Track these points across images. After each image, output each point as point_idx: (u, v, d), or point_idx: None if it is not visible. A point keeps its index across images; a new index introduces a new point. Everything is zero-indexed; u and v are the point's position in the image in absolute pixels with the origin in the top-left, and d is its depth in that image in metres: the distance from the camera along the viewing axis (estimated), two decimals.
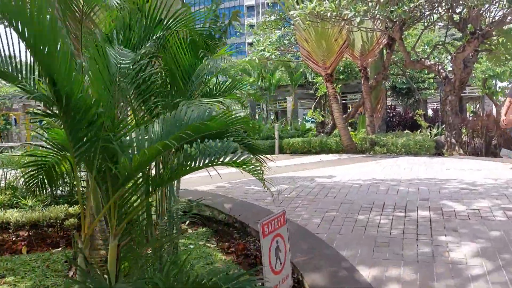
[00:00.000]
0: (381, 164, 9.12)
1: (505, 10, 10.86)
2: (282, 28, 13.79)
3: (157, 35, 3.00)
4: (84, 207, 2.22)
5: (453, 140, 12.19)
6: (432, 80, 21.60)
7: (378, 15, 10.95)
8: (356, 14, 10.33)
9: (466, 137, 12.52)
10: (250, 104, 28.81)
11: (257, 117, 26.67)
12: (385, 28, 13.11)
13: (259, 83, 24.64)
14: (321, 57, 13.01)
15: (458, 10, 12.44)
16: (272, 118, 28.91)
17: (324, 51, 12.90)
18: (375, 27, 12.39)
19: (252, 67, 24.06)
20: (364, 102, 14.08)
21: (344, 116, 15.64)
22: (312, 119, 23.05)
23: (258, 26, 16.71)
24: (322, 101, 22.81)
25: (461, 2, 11.41)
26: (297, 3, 12.06)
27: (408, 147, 12.02)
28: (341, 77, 19.73)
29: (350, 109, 20.92)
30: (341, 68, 19.83)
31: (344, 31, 12.84)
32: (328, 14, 10.85)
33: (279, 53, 13.88)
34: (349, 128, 16.99)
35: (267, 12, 15.86)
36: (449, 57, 14.26)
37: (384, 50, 14.69)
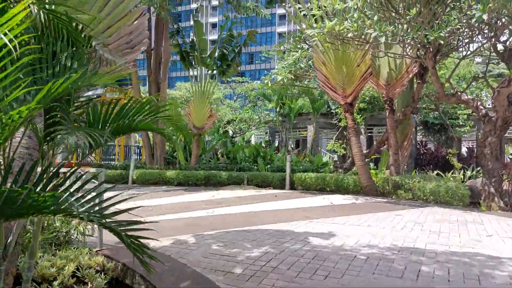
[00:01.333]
0: (403, 219, 7.35)
1: None
2: (299, 51, 12.37)
3: None
4: None
5: (492, 190, 10.25)
6: (467, 117, 19.60)
7: (408, 39, 9.36)
8: (381, 34, 8.79)
9: (508, 185, 10.56)
10: (270, 130, 27.36)
11: (276, 144, 25.16)
12: (416, 55, 11.46)
13: (278, 109, 23.19)
14: (340, 83, 11.46)
15: (503, 39, 10.71)
16: (292, 146, 27.31)
17: (344, 77, 11.35)
18: (405, 53, 10.78)
19: (273, 92, 22.71)
20: (388, 138, 12.35)
21: (366, 151, 13.89)
22: (334, 151, 21.37)
23: (276, 49, 15.41)
24: (344, 132, 21.11)
25: (507, 30, 9.70)
26: (316, 21, 10.63)
27: (437, 194, 10.15)
28: (363, 107, 18.05)
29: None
30: (366, 98, 18.18)
31: (368, 56, 11.28)
32: (350, 35, 9.35)
33: (292, 76, 12.45)
34: (371, 164, 15.18)
35: (288, 36, 14.52)
36: (489, 92, 12.45)
37: (414, 80, 13.00)
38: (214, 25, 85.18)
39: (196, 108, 14.82)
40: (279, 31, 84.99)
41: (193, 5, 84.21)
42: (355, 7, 9.53)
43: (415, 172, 14.68)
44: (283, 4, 12.15)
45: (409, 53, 10.90)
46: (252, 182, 13.92)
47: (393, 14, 9.68)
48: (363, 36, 10.49)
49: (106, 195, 2.36)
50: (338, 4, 9.82)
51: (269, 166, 15.48)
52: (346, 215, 7.64)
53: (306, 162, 15.50)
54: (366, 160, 12.58)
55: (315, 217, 7.30)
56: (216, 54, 14.67)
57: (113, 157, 21.89)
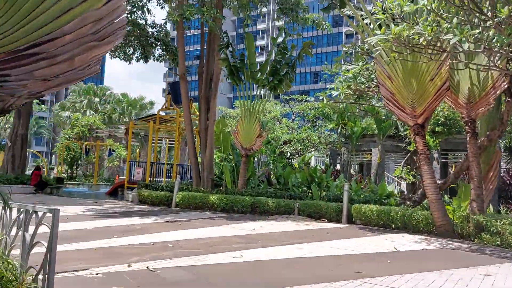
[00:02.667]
0: (492, 284, 5.37)
1: None
2: (360, 64, 10.71)
3: None
4: None
5: None
6: None
7: (496, 47, 7.42)
8: (462, 40, 6.96)
9: None
10: (331, 152, 25.48)
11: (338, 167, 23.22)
12: (506, 66, 9.35)
13: (339, 129, 21.34)
14: (409, 101, 9.59)
15: None
16: (355, 170, 25.17)
17: (414, 93, 9.49)
18: (491, 64, 8.73)
19: (332, 111, 20.97)
20: (469, 167, 10.16)
21: (440, 182, 11.71)
22: (403, 178, 19.08)
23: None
24: (414, 157, 18.77)
25: None
26: (379, 27, 8.95)
27: None
28: (438, 130, 15.74)
29: (452, 172, 16.62)
30: (441, 119, 15.88)
31: (444, 68, 9.35)
32: (422, 41, 7.59)
33: (351, 92, 10.76)
34: (445, 196, 12.94)
35: (347, 47, 12.94)
36: None
37: (503, 98, 10.76)
38: (261, 48, 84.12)
39: (244, 127, 13.56)
40: (345, 50, 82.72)
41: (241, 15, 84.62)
42: (429, 7, 7.76)
43: (504, 209, 12.18)
44: (342, 10, 10.59)
45: (497, 64, 8.83)
46: (304, 213, 12.27)
47: (477, 16, 7.77)
48: (438, 43, 8.66)
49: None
50: (408, 5, 8.07)
51: (324, 194, 13.73)
52: (416, 271, 5.78)
53: (367, 191, 13.56)
54: (440, 192, 10.46)
55: (372, 273, 5.54)
56: (268, 68, 13.38)
57: (170, 174, 21.25)
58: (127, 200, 16.46)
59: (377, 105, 13.80)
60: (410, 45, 8.18)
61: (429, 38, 7.40)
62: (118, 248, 6.52)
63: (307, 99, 24.92)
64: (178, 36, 15.24)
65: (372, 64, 10.79)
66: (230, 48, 13.63)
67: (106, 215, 10.99)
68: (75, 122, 29.29)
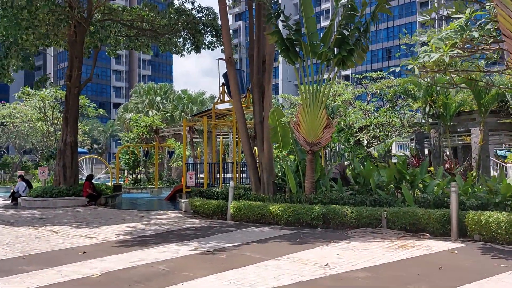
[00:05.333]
0: None
1: None
2: (467, 11, 7.28)
3: None
4: None
5: None
6: None
7: None
8: None
9: None
10: (417, 136, 21.58)
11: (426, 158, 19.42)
12: None
13: (427, 108, 17.54)
14: None
15: None
16: (449, 156, 21.07)
17: None
18: None
19: (416, 86, 17.22)
20: None
21: None
22: None
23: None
24: None
25: None
26: None
27: None
28: None
29: None
30: None
31: None
32: None
33: (461, 52, 7.38)
34: None
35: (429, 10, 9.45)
36: None
37: None
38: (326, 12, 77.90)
39: (306, 116, 10.61)
40: (420, 20, 75.36)
41: None
42: None
43: None
44: None
45: None
46: (395, 225, 9.12)
47: None
48: None
49: None
50: None
51: (419, 195, 10.41)
52: None
53: (481, 189, 10.02)
54: None
55: None
56: (332, 37, 10.27)
57: (242, 171, 18.92)
58: (180, 210, 14.35)
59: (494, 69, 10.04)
60: None
61: None
62: None
63: (383, 75, 21.26)
64: (221, 12, 12.63)
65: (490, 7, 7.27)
66: (281, 18, 10.70)
67: (139, 241, 8.75)
68: (135, 123, 28.18)
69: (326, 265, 6.39)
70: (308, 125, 10.60)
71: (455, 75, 11.06)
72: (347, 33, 10.29)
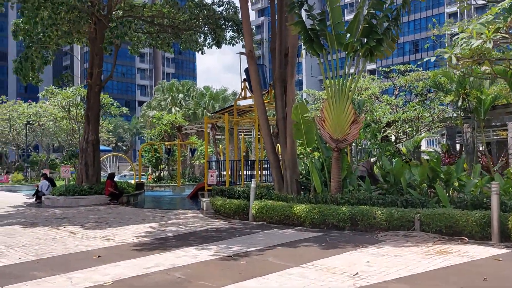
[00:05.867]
0: None
1: None
2: None
3: None
4: None
5: None
6: None
7: None
8: None
9: None
10: (448, 132, 20.59)
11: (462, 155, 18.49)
12: None
13: (459, 102, 16.60)
14: None
15: None
16: (482, 153, 20.02)
17: None
18: None
19: (448, 78, 16.30)
20: None
21: None
22: None
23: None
24: None
25: None
26: None
27: None
28: None
29: None
30: None
31: None
32: None
33: (506, 36, 6.63)
34: None
35: None
36: None
37: None
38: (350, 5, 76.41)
39: (332, 112, 9.99)
40: (449, 11, 72.80)
41: None
42: None
43: None
44: None
45: None
46: (430, 227, 8.45)
47: None
48: None
49: None
50: None
51: (456, 195, 9.68)
52: None
53: None
54: None
55: None
56: (359, 26, 9.61)
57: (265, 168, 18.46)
58: (201, 209, 13.98)
59: None
60: None
61: None
62: None
63: (412, 68, 20.27)
64: (241, 3, 12.12)
65: None
66: (305, 7, 10.11)
67: (157, 244, 8.37)
68: (157, 121, 28.05)
69: (355, 274, 5.82)
70: (333, 120, 9.99)
71: (492, 65, 10.24)
72: (375, 22, 9.61)
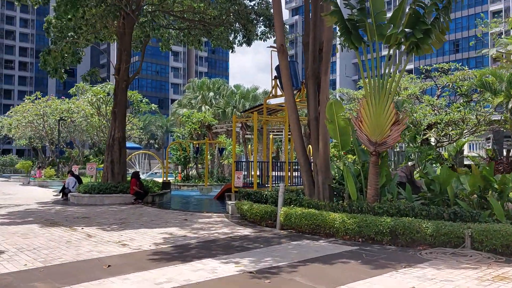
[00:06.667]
0: None
1: None
2: None
3: None
4: None
5: None
6: None
7: None
8: None
9: None
10: (494, 136, 19.06)
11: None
12: None
13: (509, 104, 15.15)
14: None
15: None
16: None
17: None
18: None
19: (498, 78, 14.87)
20: None
21: None
22: None
23: None
24: None
25: None
26: None
27: None
28: None
29: None
30: None
31: None
32: None
33: None
34: None
35: None
36: None
37: None
38: None
39: (371, 111, 8.99)
40: (493, 9, 69.33)
41: None
42: None
43: None
44: None
45: None
46: (482, 245, 7.34)
47: None
48: None
49: None
50: None
51: None
52: None
53: None
54: None
55: None
56: (404, 17, 8.56)
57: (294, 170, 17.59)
58: (227, 213, 13.24)
59: None
60: None
61: None
62: None
63: (456, 66, 18.81)
64: None
65: None
66: None
67: (174, 253, 7.67)
68: (186, 119, 27.60)
69: None
70: (372, 121, 8.99)
71: None
72: (422, 12, 8.55)
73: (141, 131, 40.35)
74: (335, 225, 8.81)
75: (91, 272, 6.28)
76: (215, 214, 13.08)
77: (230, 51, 21.11)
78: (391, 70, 9.12)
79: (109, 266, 6.63)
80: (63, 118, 31.55)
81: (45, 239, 8.93)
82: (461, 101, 18.20)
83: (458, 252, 7.38)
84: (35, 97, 32.81)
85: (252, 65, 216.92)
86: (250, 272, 6.26)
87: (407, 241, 8.03)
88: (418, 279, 5.87)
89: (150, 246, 8.25)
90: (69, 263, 6.85)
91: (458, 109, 17.05)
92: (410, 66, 65.75)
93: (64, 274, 6.16)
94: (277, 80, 16.39)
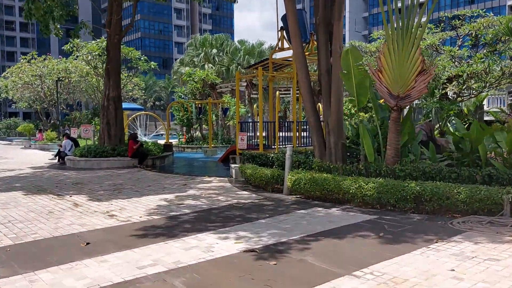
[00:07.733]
0: None
1: None
2: None
3: None
4: None
5: None
6: None
7: None
8: None
9: None
10: None
11: None
12: None
13: None
14: None
15: None
16: None
17: None
18: None
19: None
20: None
21: None
22: None
23: None
24: None
25: None
26: None
27: None
28: None
29: None
30: None
31: None
32: None
33: None
34: None
35: None
36: None
37: None
38: None
39: (392, 60, 7.69)
40: (510, 4, 64.89)
41: None
42: None
43: None
44: None
45: None
46: None
47: None
48: None
49: None
50: None
51: None
52: None
53: None
54: None
55: None
56: None
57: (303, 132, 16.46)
58: (231, 177, 12.26)
59: None
60: None
61: None
62: None
63: (480, 13, 17.10)
64: None
65: None
66: None
67: (167, 225, 6.69)
68: (188, 78, 26.22)
69: None
70: (395, 71, 7.70)
71: None
72: None
73: (144, 92, 39.06)
74: (351, 191, 7.74)
75: (64, 252, 5.32)
76: (217, 179, 12.11)
77: (235, 2, 19.48)
78: (418, 10, 7.73)
79: (87, 244, 5.67)
80: (60, 78, 30.30)
81: (26, 209, 8.00)
82: (484, 51, 16.64)
83: (495, 221, 6.32)
84: (31, 57, 31.40)
85: (258, 24, 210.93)
86: (252, 251, 5.25)
87: (434, 208, 6.96)
88: (456, 259, 4.82)
89: (140, 217, 7.29)
90: (43, 240, 5.90)
91: (482, 60, 15.53)
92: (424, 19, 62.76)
93: (32, 256, 5.21)
94: (284, 31, 14.94)
